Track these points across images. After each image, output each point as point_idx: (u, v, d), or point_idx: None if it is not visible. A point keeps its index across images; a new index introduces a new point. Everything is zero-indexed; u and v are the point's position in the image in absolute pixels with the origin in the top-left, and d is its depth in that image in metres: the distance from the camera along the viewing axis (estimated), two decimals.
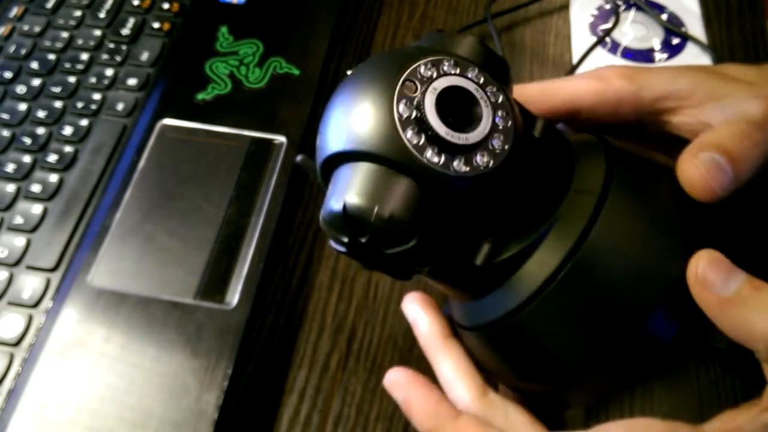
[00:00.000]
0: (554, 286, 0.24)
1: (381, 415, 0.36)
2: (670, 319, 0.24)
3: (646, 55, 0.49)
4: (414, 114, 0.23)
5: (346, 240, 0.24)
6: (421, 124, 0.23)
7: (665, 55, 0.49)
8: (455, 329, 0.29)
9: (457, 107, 0.24)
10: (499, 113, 0.24)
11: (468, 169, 0.23)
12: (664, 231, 0.25)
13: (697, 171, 0.25)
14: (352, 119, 0.23)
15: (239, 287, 0.37)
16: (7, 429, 0.33)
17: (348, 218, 0.23)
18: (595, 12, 0.52)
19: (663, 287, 0.24)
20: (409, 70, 0.24)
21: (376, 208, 0.22)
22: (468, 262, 0.25)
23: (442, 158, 0.23)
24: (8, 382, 0.35)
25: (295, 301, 0.40)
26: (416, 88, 0.23)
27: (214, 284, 0.37)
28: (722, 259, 0.24)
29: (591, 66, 0.49)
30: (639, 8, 0.52)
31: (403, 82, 0.23)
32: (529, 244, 0.24)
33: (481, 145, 0.23)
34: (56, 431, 0.33)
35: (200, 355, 0.35)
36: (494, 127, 0.24)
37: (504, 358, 0.26)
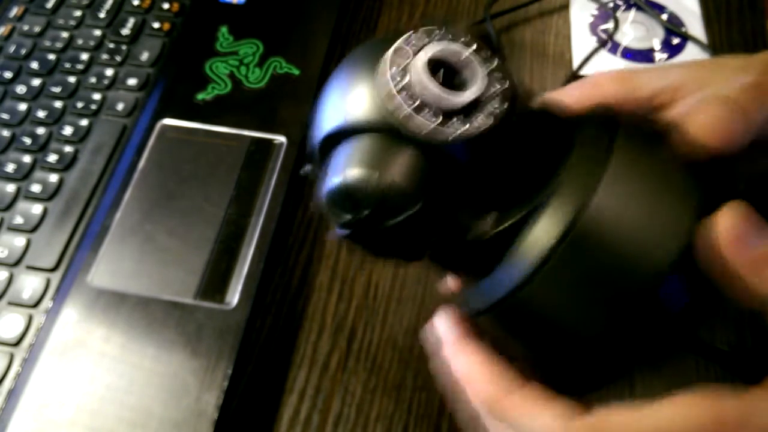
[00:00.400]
0: (559, 253, 0.22)
1: (381, 415, 0.36)
2: (682, 287, 0.23)
3: (646, 55, 0.49)
4: (406, 79, 0.23)
5: (349, 218, 0.23)
6: (413, 88, 0.22)
7: (665, 55, 0.49)
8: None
9: (450, 71, 0.23)
10: (495, 75, 0.23)
11: (467, 127, 0.22)
12: (673, 194, 0.23)
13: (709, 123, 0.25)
14: (345, 97, 0.23)
15: (239, 287, 0.37)
16: (7, 429, 0.33)
17: (349, 191, 0.22)
18: (595, 12, 0.52)
19: (676, 250, 0.22)
20: (399, 40, 0.23)
21: (376, 175, 0.22)
22: (470, 236, 0.24)
23: (439, 119, 0.22)
24: (8, 382, 0.35)
25: (295, 301, 0.40)
26: (408, 55, 0.23)
27: (214, 284, 0.37)
28: (754, 212, 0.22)
29: (593, 67, 0.49)
30: (639, 8, 0.52)
31: (394, 51, 0.23)
32: (528, 211, 0.23)
33: (478, 105, 0.23)
34: (56, 431, 0.33)
35: (200, 355, 0.35)
36: (490, 86, 0.23)
37: (516, 336, 0.25)
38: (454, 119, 0.22)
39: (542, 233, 0.23)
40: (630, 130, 0.25)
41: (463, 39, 0.24)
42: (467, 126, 0.22)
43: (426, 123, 0.22)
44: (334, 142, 0.24)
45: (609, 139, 0.24)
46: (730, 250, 0.22)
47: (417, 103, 0.22)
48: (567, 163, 0.24)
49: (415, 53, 0.23)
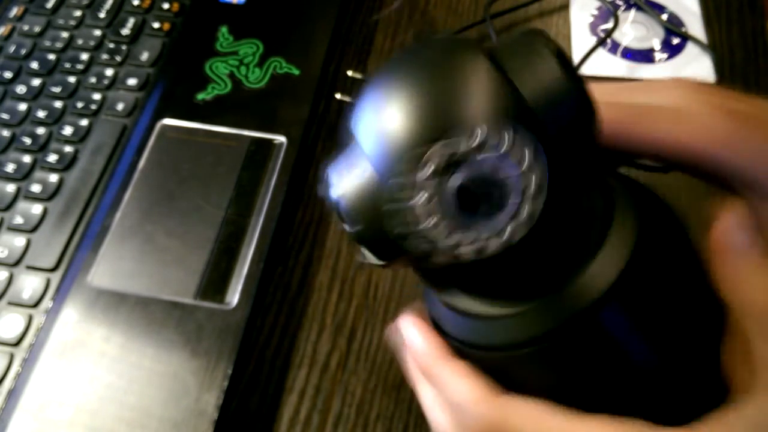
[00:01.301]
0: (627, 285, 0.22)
1: (381, 415, 0.36)
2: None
3: (646, 55, 0.49)
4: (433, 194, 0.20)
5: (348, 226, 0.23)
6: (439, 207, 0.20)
7: (665, 55, 0.49)
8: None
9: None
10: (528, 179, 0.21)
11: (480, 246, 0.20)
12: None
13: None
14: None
15: (239, 287, 0.37)
16: (7, 429, 0.33)
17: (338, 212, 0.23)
18: (595, 12, 0.52)
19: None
20: (436, 147, 0.20)
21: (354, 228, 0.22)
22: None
23: (452, 240, 0.20)
24: (8, 382, 0.35)
25: (295, 301, 0.40)
26: (439, 165, 0.20)
27: (214, 284, 0.37)
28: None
29: (593, 67, 0.49)
30: (639, 8, 0.52)
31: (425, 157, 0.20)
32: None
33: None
34: (56, 431, 0.33)
35: (200, 355, 0.35)
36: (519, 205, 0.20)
37: (567, 374, 0.23)
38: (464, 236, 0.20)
39: (603, 267, 0.22)
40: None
41: (505, 148, 0.20)
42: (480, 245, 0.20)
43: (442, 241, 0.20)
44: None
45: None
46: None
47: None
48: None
49: (448, 167, 0.20)
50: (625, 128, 0.24)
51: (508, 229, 0.20)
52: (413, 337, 0.26)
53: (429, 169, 0.20)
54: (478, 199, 0.20)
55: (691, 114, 0.24)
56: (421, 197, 0.20)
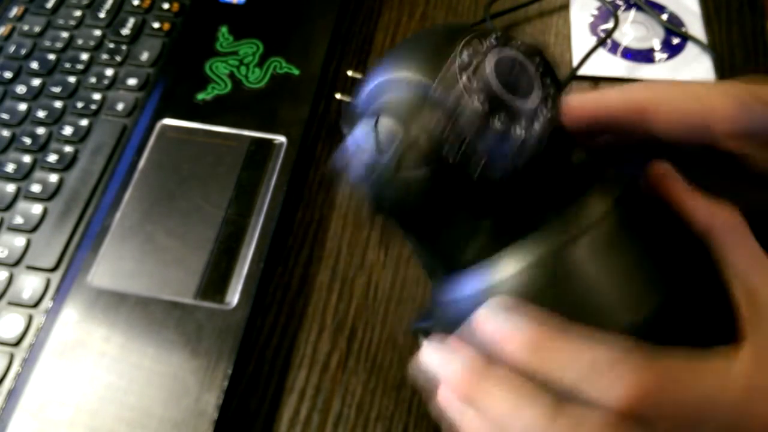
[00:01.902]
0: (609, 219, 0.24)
1: (381, 415, 0.36)
2: None
3: (646, 55, 0.49)
4: (476, 71, 0.24)
5: (367, 161, 0.25)
6: (480, 81, 0.23)
7: (665, 55, 0.49)
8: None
9: (514, 77, 0.24)
10: (546, 90, 0.24)
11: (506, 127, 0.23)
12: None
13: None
14: (414, 57, 0.25)
15: (239, 287, 0.37)
16: (7, 429, 0.33)
17: (378, 135, 0.24)
18: (595, 12, 0.52)
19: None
20: (474, 33, 0.24)
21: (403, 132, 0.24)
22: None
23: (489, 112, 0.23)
24: (8, 382, 0.35)
25: (295, 301, 0.40)
26: (479, 51, 0.24)
27: (214, 284, 0.37)
28: None
29: (593, 67, 0.49)
30: (639, 8, 0.52)
31: (467, 41, 0.24)
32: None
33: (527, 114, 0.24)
34: (56, 431, 0.33)
35: (200, 355, 0.35)
36: (539, 109, 0.24)
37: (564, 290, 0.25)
38: (502, 115, 0.23)
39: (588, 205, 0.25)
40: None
41: (525, 48, 0.25)
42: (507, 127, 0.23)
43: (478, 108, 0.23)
44: (387, 87, 0.25)
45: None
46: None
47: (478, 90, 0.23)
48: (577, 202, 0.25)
49: (485, 52, 0.24)
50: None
51: (541, 116, 0.24)
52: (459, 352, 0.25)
53: (466, 56, 0.24)
54: (511, 79, 0.24)
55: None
56: (464, 79, 0.23)
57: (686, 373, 0.22)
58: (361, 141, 0.25)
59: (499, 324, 0.24)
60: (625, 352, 0.22)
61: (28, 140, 0.44)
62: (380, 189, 0.25)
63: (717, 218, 0.25)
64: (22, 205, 0.42)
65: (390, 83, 0.25)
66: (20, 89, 0.47)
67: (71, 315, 0.37)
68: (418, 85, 0.24)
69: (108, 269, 0.38)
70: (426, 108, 0.23)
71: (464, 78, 0.23)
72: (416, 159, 0.24)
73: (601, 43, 0.49)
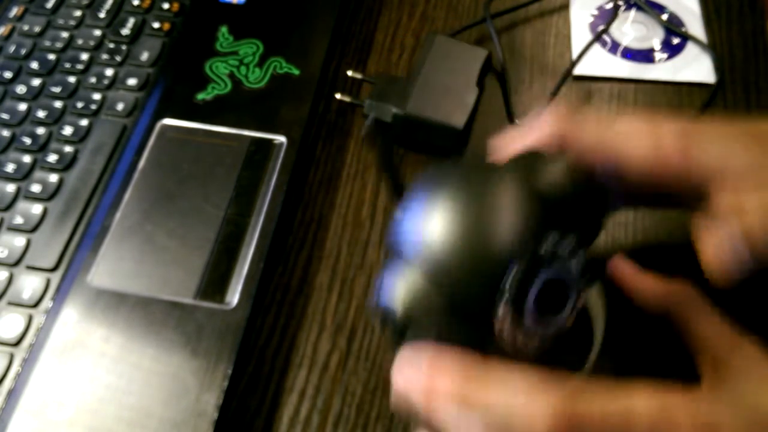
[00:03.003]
0: None
1: (381, 415, 0.36)
2: None
3: (646, 55, 0.49)
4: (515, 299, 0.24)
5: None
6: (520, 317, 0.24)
7: (665, 55, 0.49)
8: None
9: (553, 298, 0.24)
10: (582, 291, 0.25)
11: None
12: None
13: (720, 262, 0.27)
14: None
15: (239, 287, 0.37)
16: (7, 429, 0.33)
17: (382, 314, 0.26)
18: (595, 12, 0.52)
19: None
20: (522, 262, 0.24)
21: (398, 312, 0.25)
22: None
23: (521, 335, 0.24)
24: (8, 382, 0.35)
25: (295, 301, 0.40)
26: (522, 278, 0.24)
27: (214, 284, 0.37)
28: None
29: (593, 67, 0.49)
30: (639, 8, 0.52)
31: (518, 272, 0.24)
32: None
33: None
34: (56, 431, 0.33)
35: (200, 355, 0.35)
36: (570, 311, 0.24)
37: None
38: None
39: None
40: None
41: (576, 263, 0.24)
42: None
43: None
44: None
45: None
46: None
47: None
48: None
49: (529, 274, 0.24)
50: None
51: (566, 319, 0.24)
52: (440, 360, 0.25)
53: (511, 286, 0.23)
54: (548, 302, 0.24)
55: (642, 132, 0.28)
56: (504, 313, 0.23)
57: (601, 398, 0.23)
58: (387, 295, 0.26)
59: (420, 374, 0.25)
60: (542, 383, 0.23)
61: (28, 140, 0.44)
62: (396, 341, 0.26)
63: (672, 296, 0.27)
64: (22, 205, 0.42)
65: (426, 254, 0.25)
66: (20, 89, 0.47)
67: (71, 315, 0.37)
68: (454, 292, 0.24)
69: (108, 269, 0.38)
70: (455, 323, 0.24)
71: (502, 312, 0.23)
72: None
73: (599, 36, 0.49)
